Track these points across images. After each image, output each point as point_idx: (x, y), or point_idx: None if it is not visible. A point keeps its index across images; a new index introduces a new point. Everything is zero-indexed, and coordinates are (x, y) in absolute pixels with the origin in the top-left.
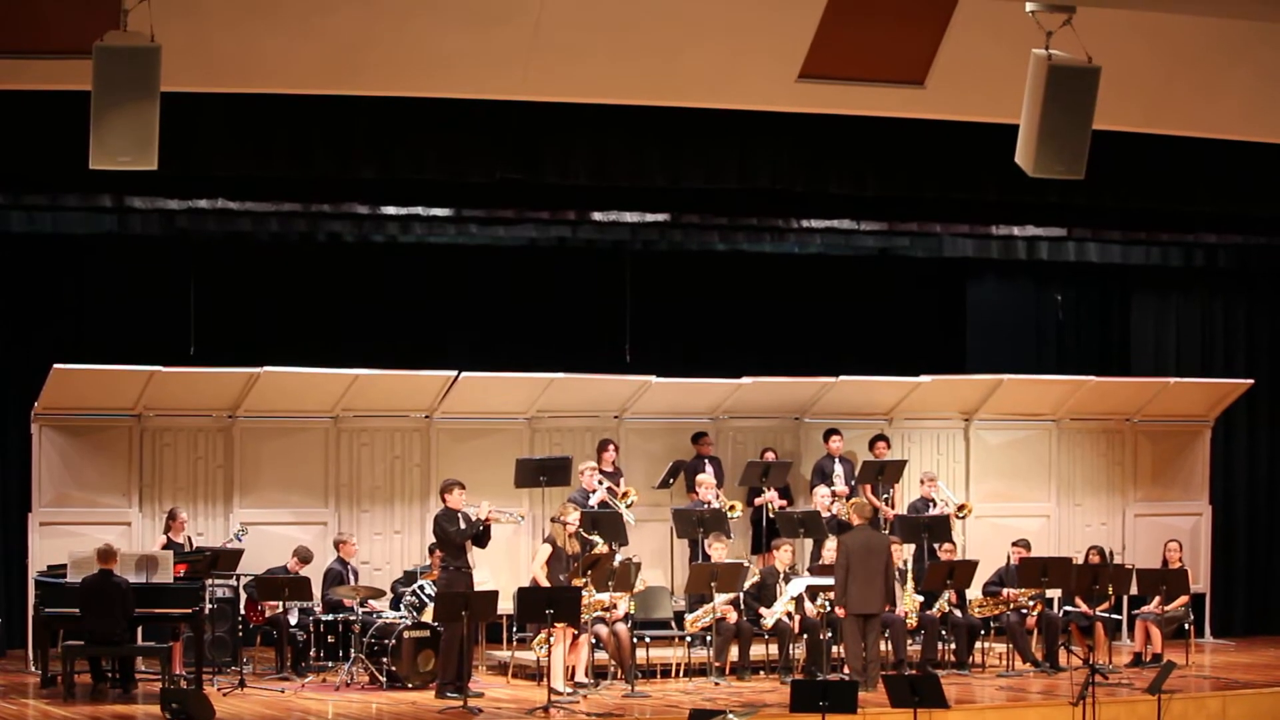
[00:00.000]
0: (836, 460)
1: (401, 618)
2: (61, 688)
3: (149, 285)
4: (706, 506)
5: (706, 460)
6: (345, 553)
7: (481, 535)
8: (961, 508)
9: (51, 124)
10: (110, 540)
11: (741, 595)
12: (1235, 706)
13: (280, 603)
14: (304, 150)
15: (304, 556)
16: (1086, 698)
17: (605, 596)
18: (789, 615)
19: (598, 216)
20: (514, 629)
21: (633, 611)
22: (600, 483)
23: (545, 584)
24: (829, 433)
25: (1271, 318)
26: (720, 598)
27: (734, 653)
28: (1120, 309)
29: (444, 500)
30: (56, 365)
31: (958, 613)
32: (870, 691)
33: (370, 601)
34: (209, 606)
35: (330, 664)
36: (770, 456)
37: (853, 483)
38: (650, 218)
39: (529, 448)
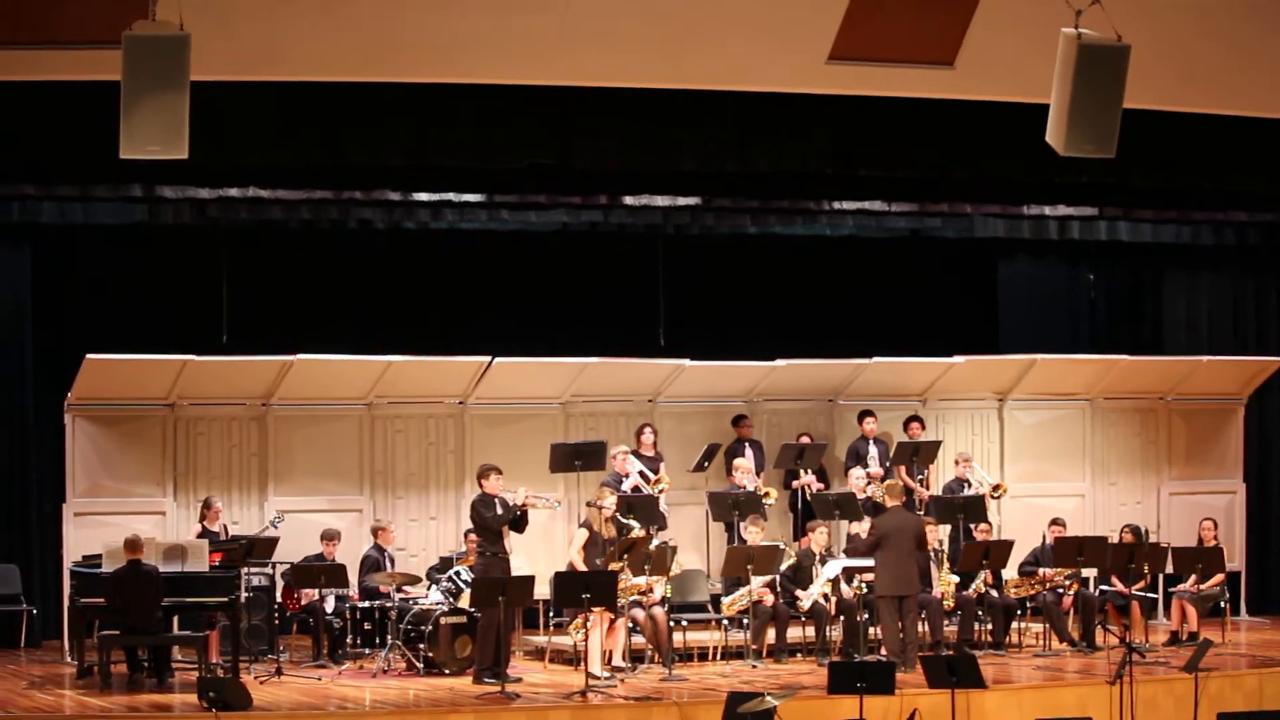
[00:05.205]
0: (871, 442)
1: (438, 604)
2: (98, 678)
3: (181, 274)
4: (742, 490)
5: (747, 444)
6: (383, 540)
7: (518, 520)
8: (996, 488)
9: (81, 114)
10: (146, 530)
11: (778, 578)
12: (1272, 684)
13: (316, 590)
14: (334, 138)
15: (330, 535)
16: (1123, 677)
17: (642, 580)
18: (825, 597)
19: (629, 201)
20: (551, 614)
21: (669, 595)
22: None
23: (582, 568)
24: (863, 414)
25: None
26: (756, 580)
27: (771, 635)
28: (1152, 288)
29: (481, 485)
30: (89, 355)
31: (994, 593)
32: (908, 672)
33: (406, 588)
34: (245, 595)
35: (367, 651)
36: (806, 440)
37: (887, 464)
38: (682, 201)
39: (563, 433)
